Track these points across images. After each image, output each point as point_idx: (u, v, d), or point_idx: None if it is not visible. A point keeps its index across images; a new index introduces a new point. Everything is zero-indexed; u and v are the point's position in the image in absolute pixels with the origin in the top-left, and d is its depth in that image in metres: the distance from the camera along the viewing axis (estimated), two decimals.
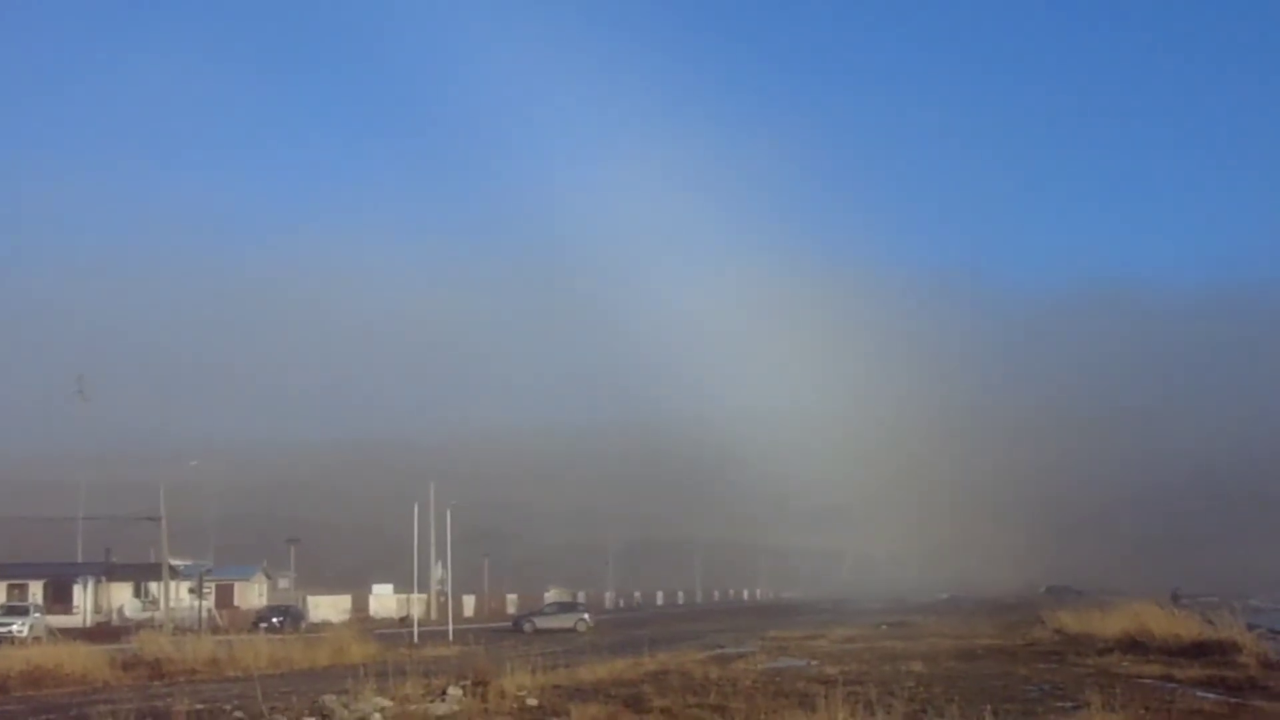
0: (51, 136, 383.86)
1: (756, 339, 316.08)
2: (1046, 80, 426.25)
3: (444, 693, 25.00)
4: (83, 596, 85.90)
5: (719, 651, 44.29)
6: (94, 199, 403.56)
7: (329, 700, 23.67)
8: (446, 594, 75.86)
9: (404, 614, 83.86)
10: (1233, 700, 23.83)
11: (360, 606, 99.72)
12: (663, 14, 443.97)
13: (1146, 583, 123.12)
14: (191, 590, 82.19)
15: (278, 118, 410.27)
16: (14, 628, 61.97)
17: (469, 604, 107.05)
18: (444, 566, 71.77)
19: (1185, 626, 40.60)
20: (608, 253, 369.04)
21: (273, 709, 23.52)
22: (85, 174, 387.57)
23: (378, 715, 22.80)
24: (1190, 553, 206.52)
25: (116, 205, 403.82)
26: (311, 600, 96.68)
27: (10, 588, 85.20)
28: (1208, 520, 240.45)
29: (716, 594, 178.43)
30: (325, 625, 73.22)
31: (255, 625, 74.04)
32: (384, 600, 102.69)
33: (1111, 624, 45.52)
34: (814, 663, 36.81)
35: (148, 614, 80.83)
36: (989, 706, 20.48)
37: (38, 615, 67.95)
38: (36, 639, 54.75)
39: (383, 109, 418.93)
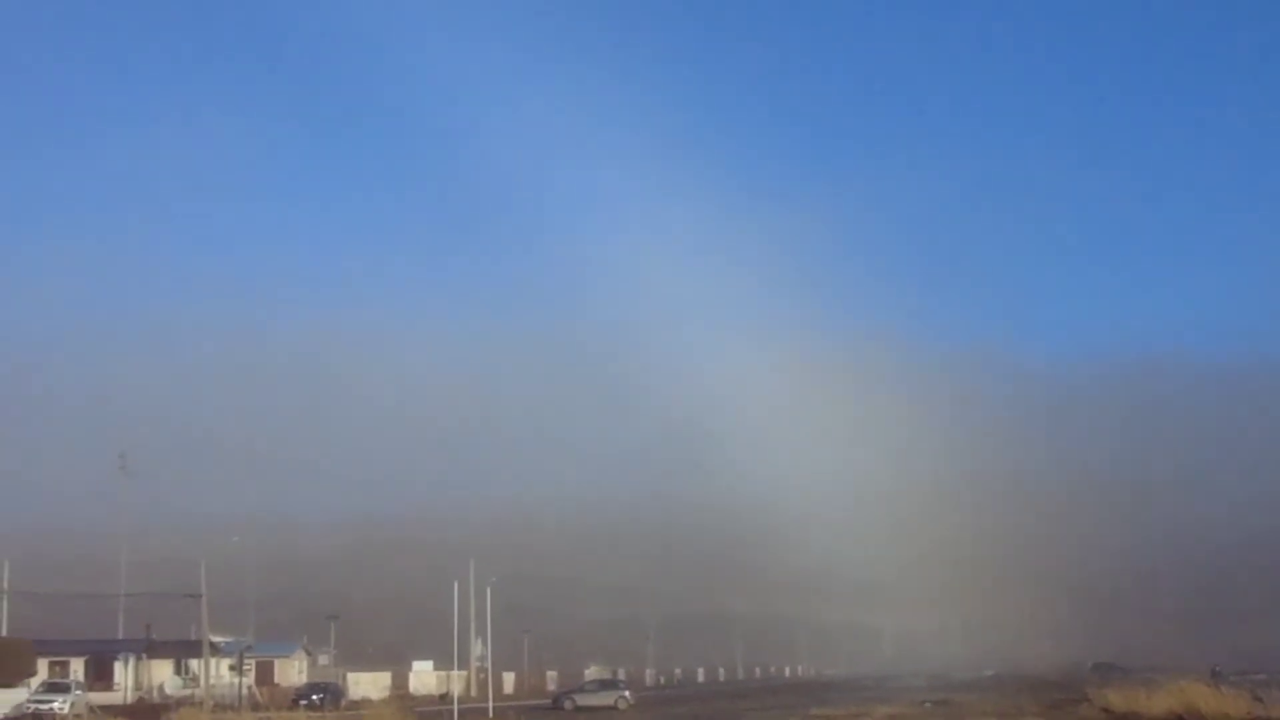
0: (83, 214, 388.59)
1: (791, 411, 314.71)
2: (1082, 153, 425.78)
3: None
4: (123, 673, 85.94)
5: None
6: (132, 275, 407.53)
7: None
8: (487, 671, 75.59)
9: (444, 691, 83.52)
10: None
11: (400, 683, 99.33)
12: (694, 83, 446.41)
13: (1190, 657, 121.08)
14: (232, 667, 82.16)
15: (310, 191, 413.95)
16: (55, 705, 62.11)
17: (509, 681, 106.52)
18: (484, 643, 71.59)
19: (1234, 705, 39.98)
20: (641, 324, 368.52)
21: None
22: (121, 251, 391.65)
23: None
24: (1234, 626, 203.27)
25: (154, 281, 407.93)
26: (351, 677, 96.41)
27: (51, 664, 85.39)
28: (1250, 593, 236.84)
29: (757, 670, 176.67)
30: (365, 702, 72.98)
31: (295, 702, 73.86)
32: (424, 677, 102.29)
33: (1158, 703, 44.87)
34: None
35: (188, 691, 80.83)
36: None
37: (79, 692, 68.06)
38: (78, 716, 54.86)
39: (412, 179, 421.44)
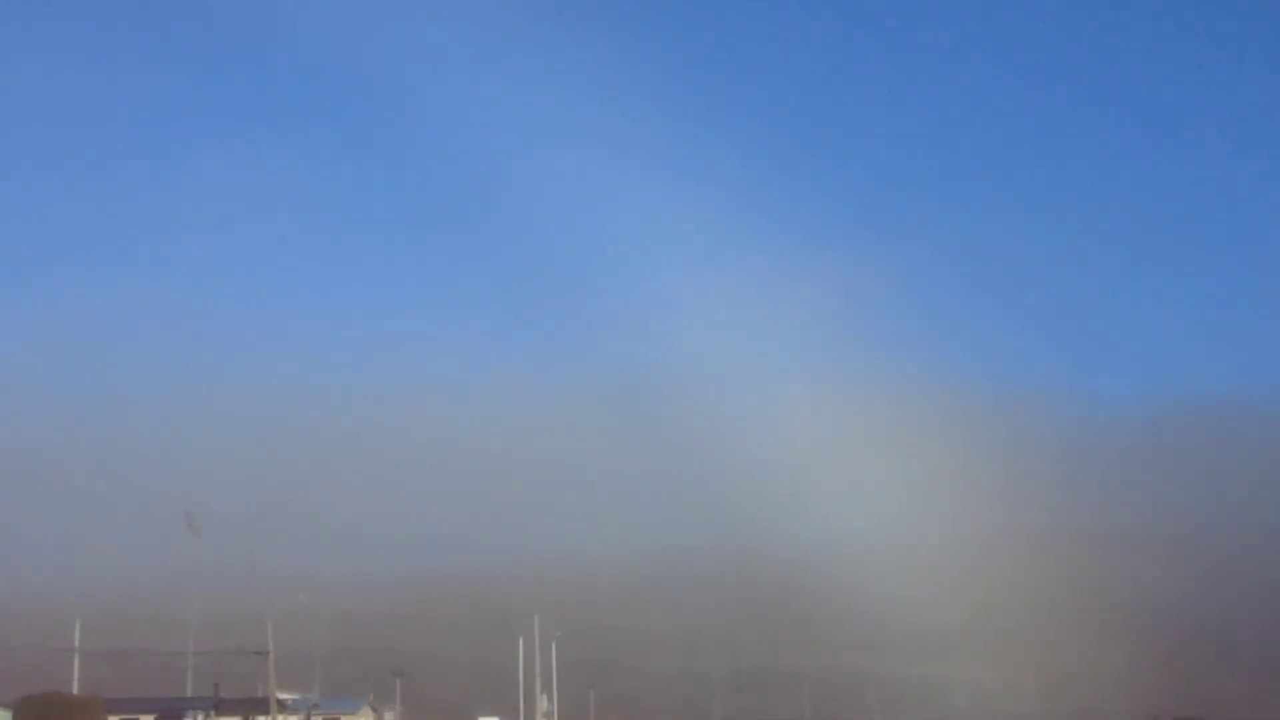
0: (143, 276, 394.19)
1: (853, 458, 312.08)
2: (1142, 195, 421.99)
3: None
4: None
5: None
6: (194, 340, 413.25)
7: None
8: None
9: None
10: None
11: None
12: (751, 132, 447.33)
13: (1272, 709, 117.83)
14: None
15: (362, 247, 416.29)
16: None
17: None
18: (550, 698, 71.08)
19: None
20: (700, 374, 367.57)
21: None
22: (186, 316, 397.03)
23: None
24: None
25: (220, 342, 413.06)
26: None
27: None
28: None
29: None
30: None
31: None
32: None
33: None
34: None
35: None
36: None
37: None
38: None
39: (465, 230, 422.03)
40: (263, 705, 77.40)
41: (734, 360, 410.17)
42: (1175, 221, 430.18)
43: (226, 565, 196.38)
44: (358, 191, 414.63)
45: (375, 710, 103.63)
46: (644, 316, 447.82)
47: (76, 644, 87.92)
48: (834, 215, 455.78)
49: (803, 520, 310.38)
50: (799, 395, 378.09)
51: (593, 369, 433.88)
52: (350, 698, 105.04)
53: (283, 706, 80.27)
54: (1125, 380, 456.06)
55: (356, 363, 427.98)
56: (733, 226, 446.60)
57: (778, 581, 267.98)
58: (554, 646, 69.09)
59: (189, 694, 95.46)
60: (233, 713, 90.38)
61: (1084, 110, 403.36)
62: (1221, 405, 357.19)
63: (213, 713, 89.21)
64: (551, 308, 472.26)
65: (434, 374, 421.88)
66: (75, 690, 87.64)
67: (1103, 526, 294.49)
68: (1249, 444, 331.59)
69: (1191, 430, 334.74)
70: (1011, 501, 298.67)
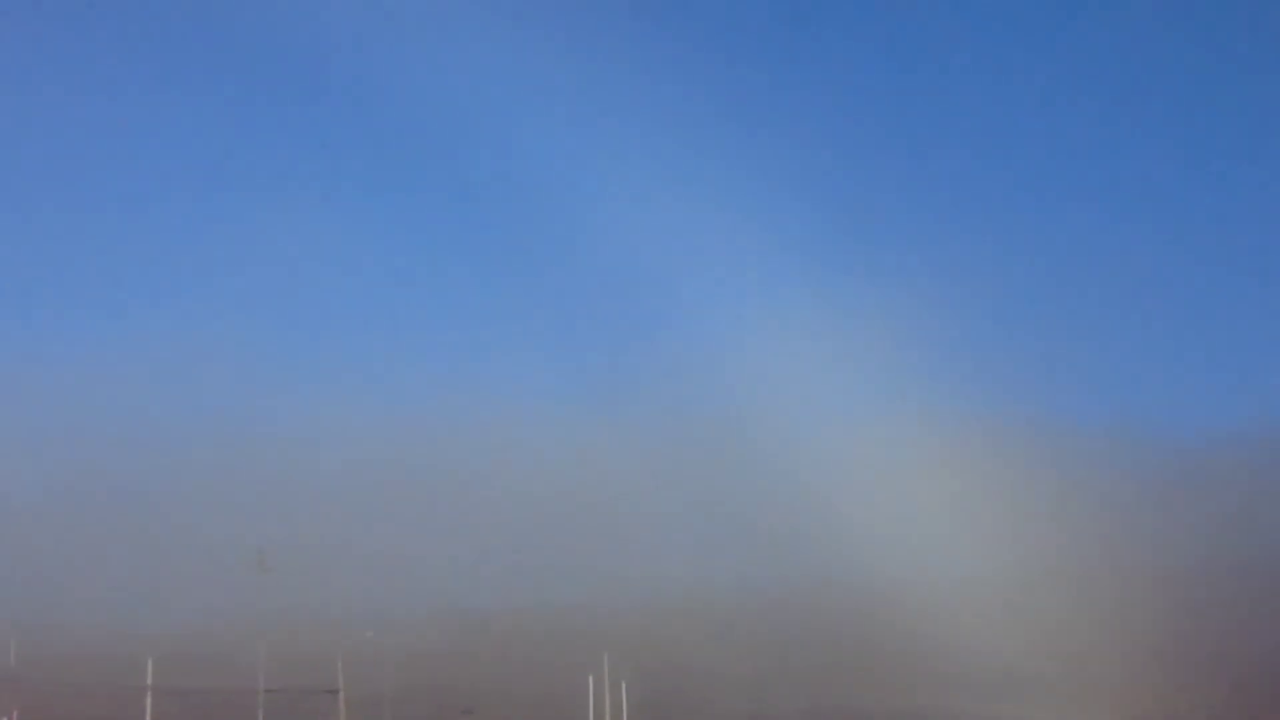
0: (209, 310, 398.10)
1: (931, 494, 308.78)
2: (1224, 225, 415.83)
3: None
4: None
5: None
6: (265, 372, 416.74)
7: None
8: None
9: None
10: None
11: None
12: (811, 161, 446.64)
13: None
14: None
15: (429, 286, 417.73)
16: None
17: None
18: None
19: None
20: (772, 405, 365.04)
21: None
22: (250, 347, 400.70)
23: None
24: None
25: (289, 379, 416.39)
26: None
27: None
28: None
29: None
30: None
31: None
32: None
33: None
34: None
35: None
36: None
37: None
38: None
39: (527, 266, 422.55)
40: None
41: (805, 393, 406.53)
42: (1253, 251, 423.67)
43: (297, 603, 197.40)
44: (427, 229, 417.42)
45: None
46: (716, 350, 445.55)
47: (149, 682, 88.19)
48: (907, 250, 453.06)
49: (875, 555, 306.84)
50: (872, 428, 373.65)
51: (663, 404, 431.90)
52: None
53: None
54: (1214, 413, 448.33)
55: (427, 398, 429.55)
56: (802, 260, 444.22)
57: (850, 618, 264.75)
58: (624, 685, 68.19)
59: None
60: None
61: (1160, 148, 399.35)
62: None
63: None
64: (623, 343, 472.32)
65: (503, 409, 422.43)
66: None
67: (1189, 564, 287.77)
68: None
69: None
70: (1090, 537, 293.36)
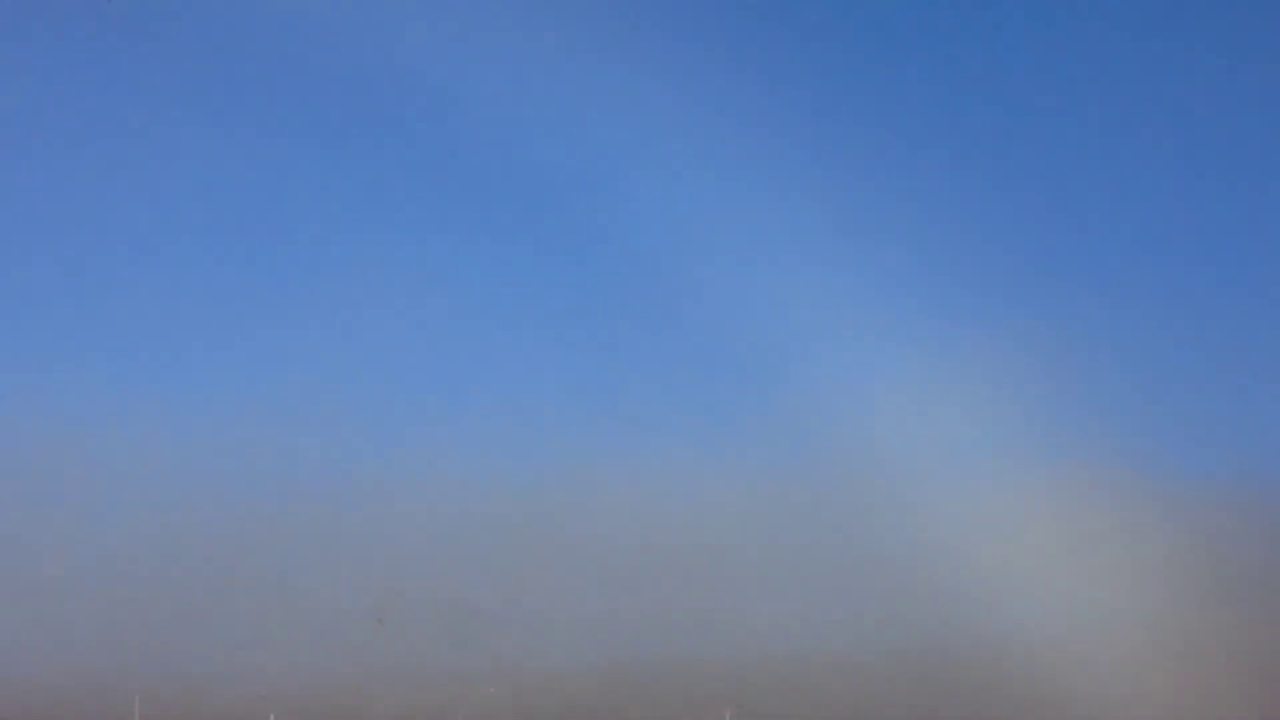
0: (316, 360, 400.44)
1: (1048, 545, 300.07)
2: None
3: None
4: None
5: None
6: (380, 427, 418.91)
7: None
8: None
9: None
10: None
11: None
12: (923, 224, 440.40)
13: None
14: None
15: (547, 329, 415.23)
16: None
17: None
18: None
19: None
20: (889, 463, 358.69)
21: None
22: (364, 402, 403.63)
23: None
24: None
25: (403, 433, 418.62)
26: None
27: None
28: None
29: None
30: None
31: None
32: None
33: None
34: None
35: None
36: None
37: None
38: None
39: (640, 314, 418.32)
40: None
41: (937, 450, 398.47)
42: None
43: (416, 658, 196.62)
44: (540, 278, 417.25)
45: None
46: (837, 401, 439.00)
47: None
48: (1020, 299, 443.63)
49: (999, 606, 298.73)
50: (993, 479, 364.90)
51: (785, 455, 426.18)
52: None
53: None
54: None
55: (546, 450, 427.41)
56: (917, 311, 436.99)
57: (974, 668, 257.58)
58: None
59: None
60: None
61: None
62: None
63: None
64: (746, 393, 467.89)
65: (624, 462, 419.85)
66: None
67: None
68: None
69: None
70: (1220, 597, 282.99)
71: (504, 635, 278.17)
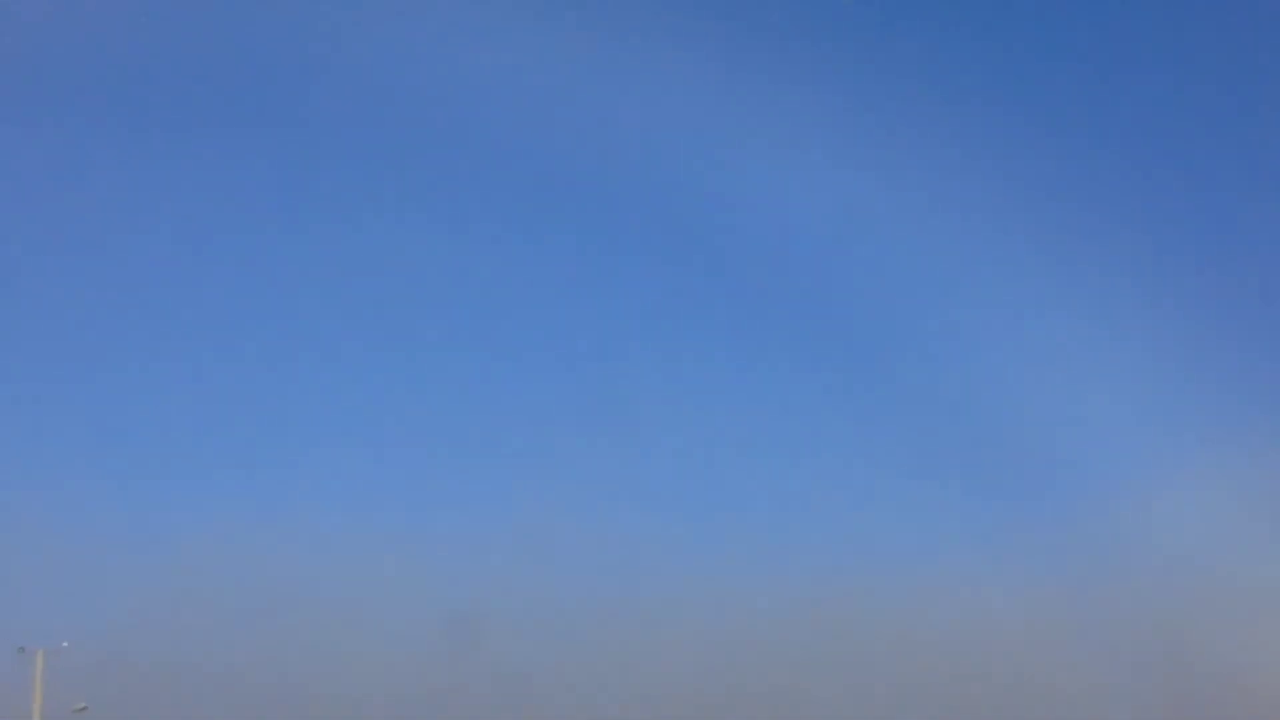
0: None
1: None
2: None
3: None
4: None
5: None
6: (675, 559, 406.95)
7: None
8: None
9: None
10: None
11: None
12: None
13: None
14: None
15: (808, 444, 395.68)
16: None
17: None
18: None
19: None
20: (1191, 572, 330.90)
21: None
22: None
23: None
24: None
25: (692, 571, 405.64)
26: None
27: None
28: None
29: None
30: None
31: None
32: None
33: None
34: None
35: None
36: None
37: None
38: None
39: (903, 406, 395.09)
40: None
41: (1226, 567, 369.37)
42: None
43: None
44: (801, 390, 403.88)
45: None
46: (1130, 503, 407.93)
47: None
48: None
49: None
50: None
51: (1074, 567, 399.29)
52: None
53: None
54: None
55: (807, 558, 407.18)
56: (1207, 416, 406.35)
57: None
58: None
59: None
60: None
61: None
62: None
63: None
64: (1021, 496, 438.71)
65: (897, 572, 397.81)
66: None
67: None
68: None
69: None
70: None
71: None
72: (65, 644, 60.96)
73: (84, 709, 61.55)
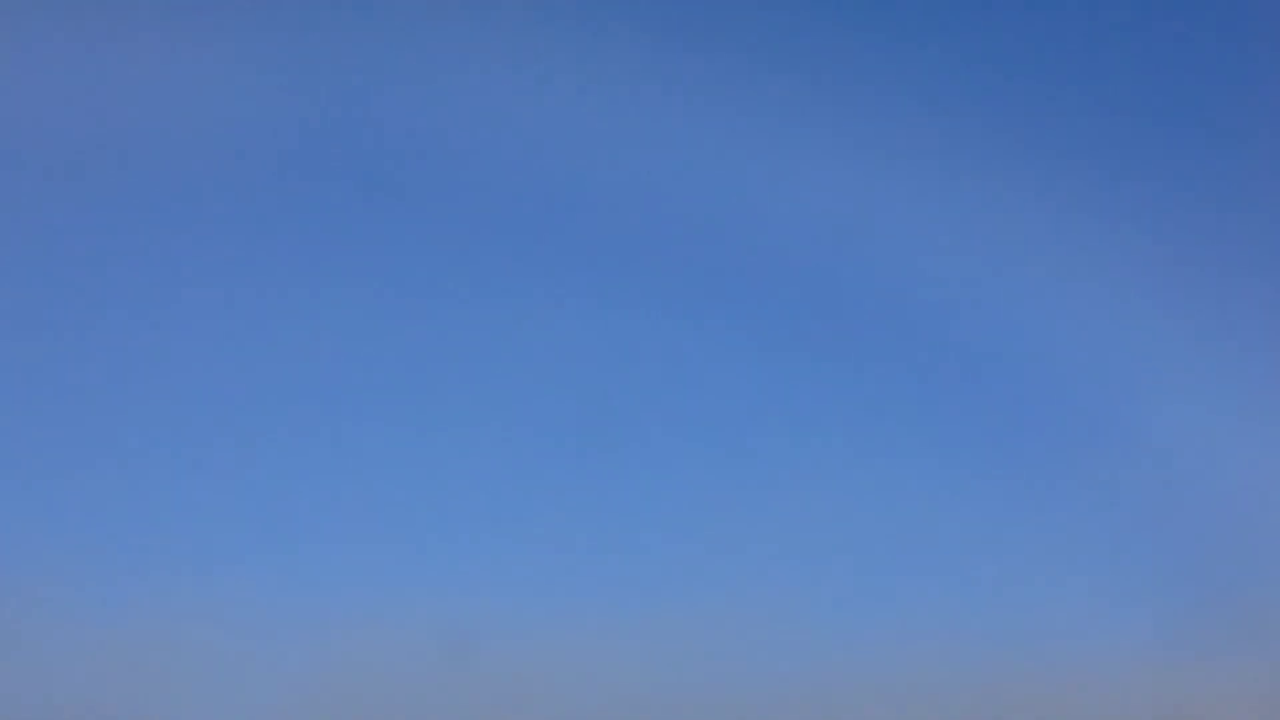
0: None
1: None
2: None
3: None
4: None
5: None
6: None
7: None
8: None
9: None
10: None
11: None
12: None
13: None
14: None
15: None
16: None
17: None
18: None
19: None
20: None
21: None
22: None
23: None
24: None
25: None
26: None
27: None
28: None
29: None
30: None
31: None
32: None
33: None
34: None
35: None
36: None
37: None
38: None
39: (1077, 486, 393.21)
40: None
41: None
42: None
43: None
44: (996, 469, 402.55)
45: None
46: None
47: None
48: None
49: None
50: None
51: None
52: None
53: None
54: None
55: (972, 643, 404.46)
56: None
57: None
58: None
59: None
60: None
61: None
62: None
63: None
64: (1213, 575, 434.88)
65: (1069, 664, 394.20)
66: None
67: None
68: None
69: None
70: None
71: None
72: None
73: None
